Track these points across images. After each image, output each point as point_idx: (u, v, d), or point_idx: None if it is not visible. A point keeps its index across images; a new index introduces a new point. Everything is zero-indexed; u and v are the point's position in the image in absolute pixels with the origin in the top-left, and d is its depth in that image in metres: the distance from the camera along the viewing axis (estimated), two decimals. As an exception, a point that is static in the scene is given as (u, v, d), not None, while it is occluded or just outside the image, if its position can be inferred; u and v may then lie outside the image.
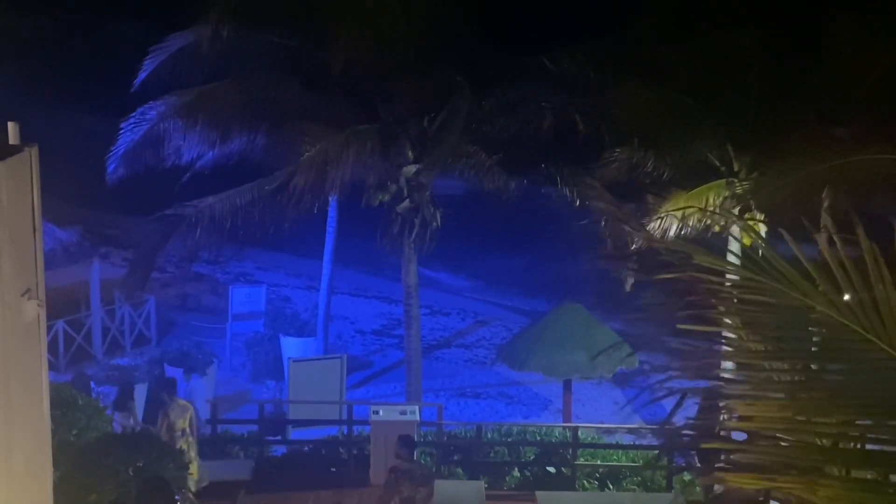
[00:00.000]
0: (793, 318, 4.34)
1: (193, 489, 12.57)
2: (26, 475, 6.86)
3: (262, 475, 14.68)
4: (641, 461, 16.06)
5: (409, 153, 18.00)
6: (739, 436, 4.60)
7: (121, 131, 17.41)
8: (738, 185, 16.36)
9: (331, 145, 16.56)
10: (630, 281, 17.27)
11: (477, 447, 16.03)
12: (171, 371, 20.22)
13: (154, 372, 20.35)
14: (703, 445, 4.56)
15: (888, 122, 13.95)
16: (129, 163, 17.46)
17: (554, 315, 17.71)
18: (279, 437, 17.40)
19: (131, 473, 10.70)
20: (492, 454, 16.13)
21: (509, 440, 16.54)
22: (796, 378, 4.37)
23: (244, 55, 18.08)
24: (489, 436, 16.63)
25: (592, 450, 16.24)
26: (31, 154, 6.85)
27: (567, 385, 17.90)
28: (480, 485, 14.72)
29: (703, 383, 4.65)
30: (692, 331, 4.60)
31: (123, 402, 14.76)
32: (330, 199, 20.30)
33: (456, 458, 16.00)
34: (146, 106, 17.61)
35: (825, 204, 14.51)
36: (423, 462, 11.41)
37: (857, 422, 4.16)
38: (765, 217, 15.12)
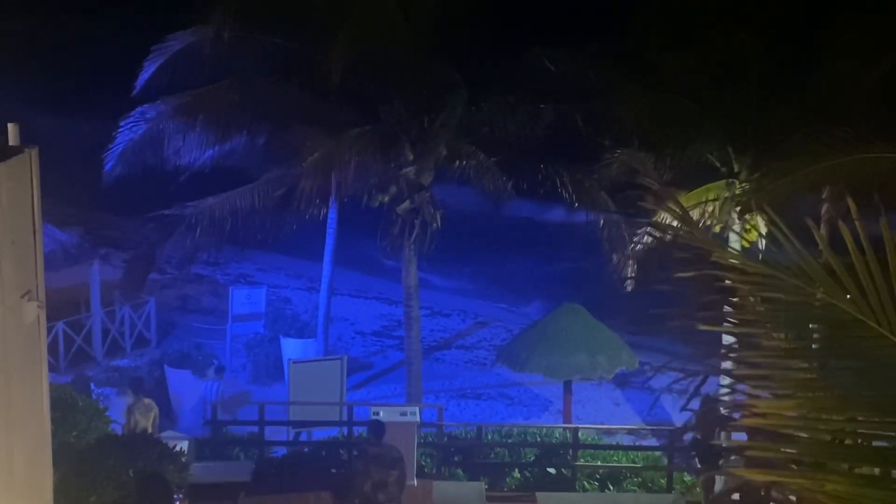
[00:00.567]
0: (808, 313, 4.32)
1: None
2: (26, 476, 6.86)
3: (262, 477, 14.66)
4: (642, 462, 16.05)
5: (409, 154, 18.00)
6: (740, 436, 4.59)
7: (119, 130, 17.39)
8: (738, 185, 16.37)
9: (333, 149, 16.55)
10: (629, 282, 17.29)
11: (477, 448, 16.02)
12: (172, 373, 20.24)
13: (154, 373, 20.37)
14: (713, 442, 4.55)
15: (888, 122, 13.95)
16: (128, 162, 17.44)
17: (554, 316, 17.70)
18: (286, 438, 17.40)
19: (131, 475, 10.70)
20: (492, 455, 16.12)
21: (510, 441, 16.53)
22: (810, 376, 4.35)
23: (244, 56, 18.08)
24: (489, 437, 16.62)
25: (593, 451, 16.22)
26: (32, 155, 6.85)
27: (567, 386, 17.89)
28: (481, 486, 14.71)
29: (712, 380, 4.63)
30: (703, 328, 4.58)
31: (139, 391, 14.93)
32: (330, 200, 20.31)
33: (456, 459, 15.98)
34: (146, 105, 17.62)
35: (825, 207, 14.54)
36: (391, 450, 11.99)
37: (868, 419, 4.15)
38: (766, 217, 15.09)
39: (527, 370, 17.59)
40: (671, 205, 5.16)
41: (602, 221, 18.10)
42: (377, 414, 14.73)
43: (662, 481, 15.51)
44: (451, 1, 17.23)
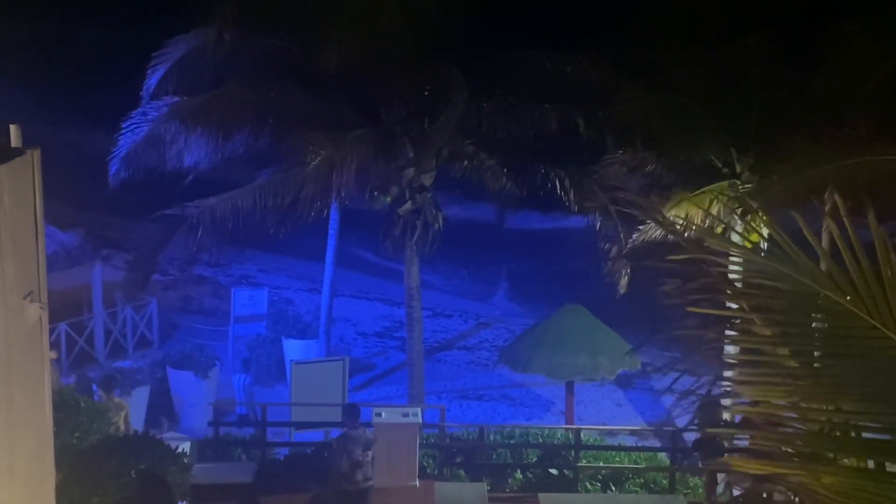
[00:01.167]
0: (800, 304, 4.33)
1: None
2: (29, 478, 6.86)
3: (263, 478, 14.66)
4: (644, 463, 16.05)
5: (411, 155, 17.99)
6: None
7: (122, 132, 17.40)
8: (740, 186, 16.35)
9: (334, 150, 16.55)
10: (624, 282, 17.29)
11: (479, 449, 16.03)
12: (174, 374, 20.24)
13: (156, 374, 20.37)
14: (710, 430, 4.57)
15: (890, 124, 13.94)
16: (131, 165, 17.45)
17: (556, 317, 17.71)
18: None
19: (133, 476, 10.71)
20: (494, 456, 16.13)
21: (512, 442, 16.53)
22: (802, 363, 4.36)
23: (245, 59, 18.08)
24: (491, 438, 16.62)
25: (595, 451, 16.23)
26: (33, 157, 6.85)
27: (569, 387, 17.89)
28: (483, 487, 14.72)
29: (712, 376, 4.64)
30: (698, 320, 4.59)
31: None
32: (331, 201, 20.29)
33: (458, 460, 15.99)
34: (148, 106, 17.63)
35: (827, 206, 14.49)
36: (366, 433, 13.07)
37: (859, 411, 4.16)
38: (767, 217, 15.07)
39: (529, 371, 17.60)
40: (657, 215, 5.25)
41: (602, 222, 18.08)
42: (379, 415, 14.74)
43: (665, 482, 15.51)
44: (451, 1, 17.23)
